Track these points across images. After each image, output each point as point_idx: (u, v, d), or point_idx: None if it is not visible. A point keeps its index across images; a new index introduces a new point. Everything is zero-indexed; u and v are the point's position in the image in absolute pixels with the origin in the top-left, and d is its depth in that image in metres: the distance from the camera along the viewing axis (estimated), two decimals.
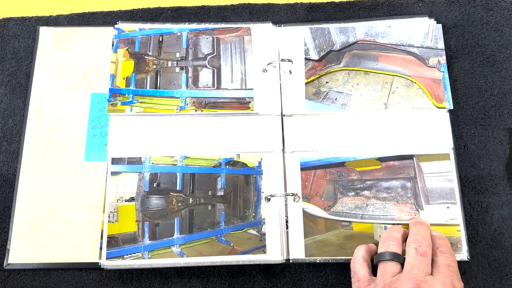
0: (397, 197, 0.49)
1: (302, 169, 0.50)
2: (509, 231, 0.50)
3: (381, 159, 0.50)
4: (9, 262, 0.49)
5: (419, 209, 0.48)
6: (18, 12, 0.59)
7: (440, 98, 0.51)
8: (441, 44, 0.54)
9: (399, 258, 0.42)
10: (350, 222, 0.48)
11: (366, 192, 0.49)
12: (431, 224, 0.47)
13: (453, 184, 0.49)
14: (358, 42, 0.54)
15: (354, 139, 0.51)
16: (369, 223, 0.48)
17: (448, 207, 0.48)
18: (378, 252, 0.44)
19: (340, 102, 0.52)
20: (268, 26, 0.55)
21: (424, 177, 0.49)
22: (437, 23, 0.55)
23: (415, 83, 0.52)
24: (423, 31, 0.54)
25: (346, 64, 0.53)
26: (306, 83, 0.53)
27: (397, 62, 0.53)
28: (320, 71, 0.53)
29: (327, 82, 0.53)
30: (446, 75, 0.52)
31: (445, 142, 0.50)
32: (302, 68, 0.53)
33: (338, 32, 0.55)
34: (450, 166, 0.49)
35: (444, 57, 0.53)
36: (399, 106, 0.51)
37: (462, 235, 0.47)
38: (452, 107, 0.51)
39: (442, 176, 0.49)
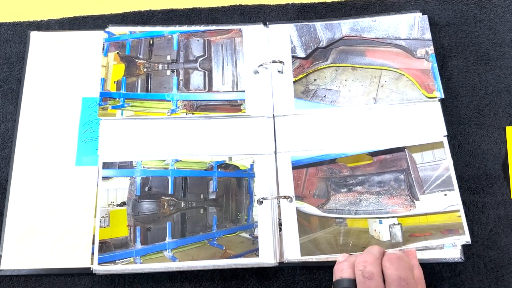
0: (391, 190, 0.48)
1: (293, 168, 0.49)
2: (505, 231, 0.49)
3: (372, 154, 0.50)
4: (1, 268, 0.48)
5: (414, 200, 0.48)
6: (9, 17, 0.59)
7: (430, 88, 0.51)
8: (428, 35, 0.53)
9: (353, 284, 0.40)
10: (344, 218, 0.48)
11: (358, 188, 0.49)
12: (428, 213, 0.47)
13: (449, 171, 0.48)
14: (344, 37, 0.54)
15: (345, 135, 0.50)
16: (363, 218, 0.47)
17: (445, 194, 0.47)
18: (334, 278, 0.42)
19: (329, 99, 0.52)
20: (259, 28, 0.55)
21: (418, 167, 0.49)
22: (431, 22, 0.55)
23: (403, 75, 0.52)
24: (409, 23, 0.54)
25: (333, 61, 0.53)
26: (294, 82, 0.53)
27: (385, 56, 0.53)
28: (307, 69, 0.53)
29: (315, 80, 0.52)
30: (435, 65, 0.52)
31: (437, 130, 0.50)
32: (290, 67, 0.53)
33: (324, 29, 0.54)
34: (444, 154, 0.49)
35: (432, 47, 0.53)
36: (389, 99, 0.51)
37: (463, 220, 0.46)
38: (443, 96, 0.51)
39: (437, 164, 0.49)
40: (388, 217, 0.47)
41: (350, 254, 0.45)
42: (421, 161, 0.49)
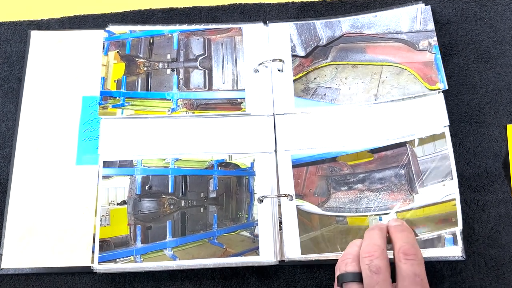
0: (391, 186, 0.48)
1: (294, 166, 0.49)
2: (505, 229, 0.49)
3: (373, 151, 0.49)
4: (1, 267, 0.48)
5: (414, 194, 0.47)
6: (9, 17, 0.59)
7: (433, 80, 0.50)
8: (430, 26, 0.52)
9: (359, 277, 0.40)
10: (344, 216, 0.48)
11: (359, 185, 0.49)
12: (426, 205, 0.47)
13: (448, 160, 0.47)
14: (345, 35, 0.54)
15: (345, 133, 0.50)
16: (363, 216, 0.47)
17: (444, 185, 0.47)
18: (338, 271, 0.41)
19: (329, 97, 0.51)
20: (259, 26, 0.55)
21: (419, 160, 0.48)
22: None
23: (405, 69, 0.51)
24: (411, 16, 0.53)
25: (333, 59, 0.53)
26: (294, 80, 0.52)
27: (386, 51, 0.53)
28: (307, 68, 0.53)
29: (315, 78, 0.52)
30: (439, 56, 0.51)
31: (439, 122, 0.49)
32: (290, 65, 0.53)
33: (324, 27, 0.54)
34: (445, 144, 0.48)
35: (435, 38, 0.52)
36: (390, 95, 0.51)
37: (457, 208, 0.46)
38: (446, 87, 0.50)
39: (437, 155, 0.48)
40: (387, 213, 0.47)
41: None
42: (422, 154, 0.48)
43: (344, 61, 0.53)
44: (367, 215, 0.47)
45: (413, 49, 0.52)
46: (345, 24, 0.54)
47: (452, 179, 0.47)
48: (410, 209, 0.47)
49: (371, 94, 0.51)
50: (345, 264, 0.41)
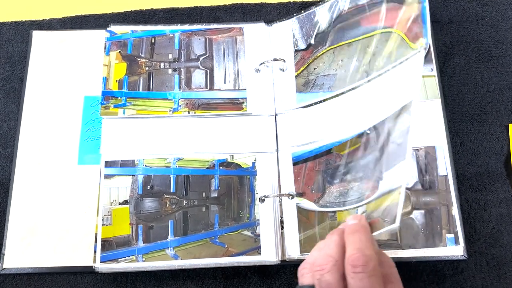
0: (369, 173, 0.43)
1: (293, 164, 0.49)
2: (507, 229, 0.49)
3: (360, 136, 0.45)
4: (4, 266, 0.48)
5: (380, 180, 0.41)
6: (11, 17, 0.59)
7: (417, 36, 0.43)
8: None
9: None
10: (334, 212, 0.46)
11: (348, 177, 0.46)
12: (381, 195, 0.40)
13: (408, 134, 0.38)
14: (342, 14, 0.51)
15: (341, 121, 0.48)
16: (346, 210, 0.45)
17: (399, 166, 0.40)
18: (299, 281, 0.37)
19: (327, 85, 0.50)
20: (261, 26, 0.55)
21: (390, 138, 0.41)
22: (433, 20, 0.53)
23: (393, 32, 0.46)
24: None
25: (331, 43, 0.51)
26: (296, 76, 0.52)
27: (377, 18, 0.48)
28: (308, 59, 0.52)
29: (314, 69, 0.51)
30: (426, 4, 0.43)
31: (415, 85, 0.41)
32: (292, 65, 0.53)
33: (324, 11, 0.52)
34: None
35: None
36: (379, 66, 0.46)
37: (400, 199, 0.36)
38: (429, 42, 0.41)
39: (404, 129, 0.40)
40: (359, 206, 0.44)
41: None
42: (396, 130, 0.41)
43: (341, 42, 0.50)
44: (349, 209, 0.45)
45: (402, 5, 0.46)
46: (343, 1, 0.51)
47: (404, 159, 0.38)
48: (370, 201, 0.42)
49: (363, 71, 0.47)
50: (301, 275, 0.37)
